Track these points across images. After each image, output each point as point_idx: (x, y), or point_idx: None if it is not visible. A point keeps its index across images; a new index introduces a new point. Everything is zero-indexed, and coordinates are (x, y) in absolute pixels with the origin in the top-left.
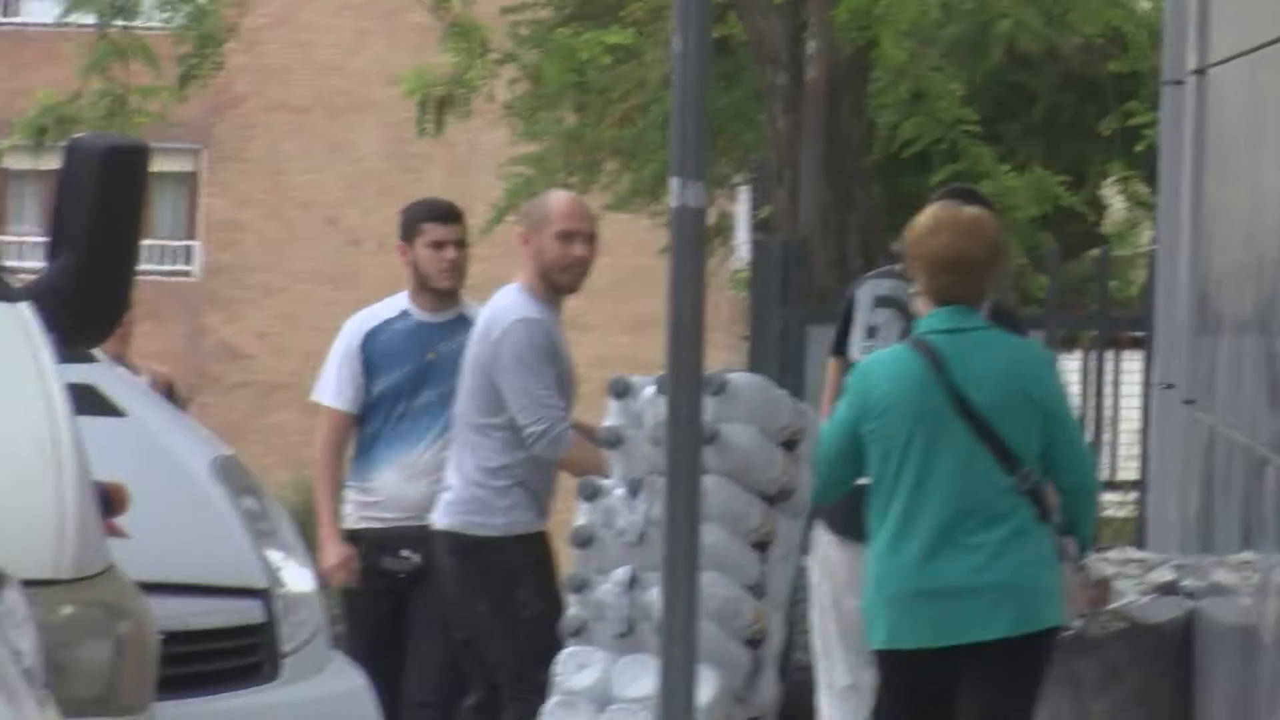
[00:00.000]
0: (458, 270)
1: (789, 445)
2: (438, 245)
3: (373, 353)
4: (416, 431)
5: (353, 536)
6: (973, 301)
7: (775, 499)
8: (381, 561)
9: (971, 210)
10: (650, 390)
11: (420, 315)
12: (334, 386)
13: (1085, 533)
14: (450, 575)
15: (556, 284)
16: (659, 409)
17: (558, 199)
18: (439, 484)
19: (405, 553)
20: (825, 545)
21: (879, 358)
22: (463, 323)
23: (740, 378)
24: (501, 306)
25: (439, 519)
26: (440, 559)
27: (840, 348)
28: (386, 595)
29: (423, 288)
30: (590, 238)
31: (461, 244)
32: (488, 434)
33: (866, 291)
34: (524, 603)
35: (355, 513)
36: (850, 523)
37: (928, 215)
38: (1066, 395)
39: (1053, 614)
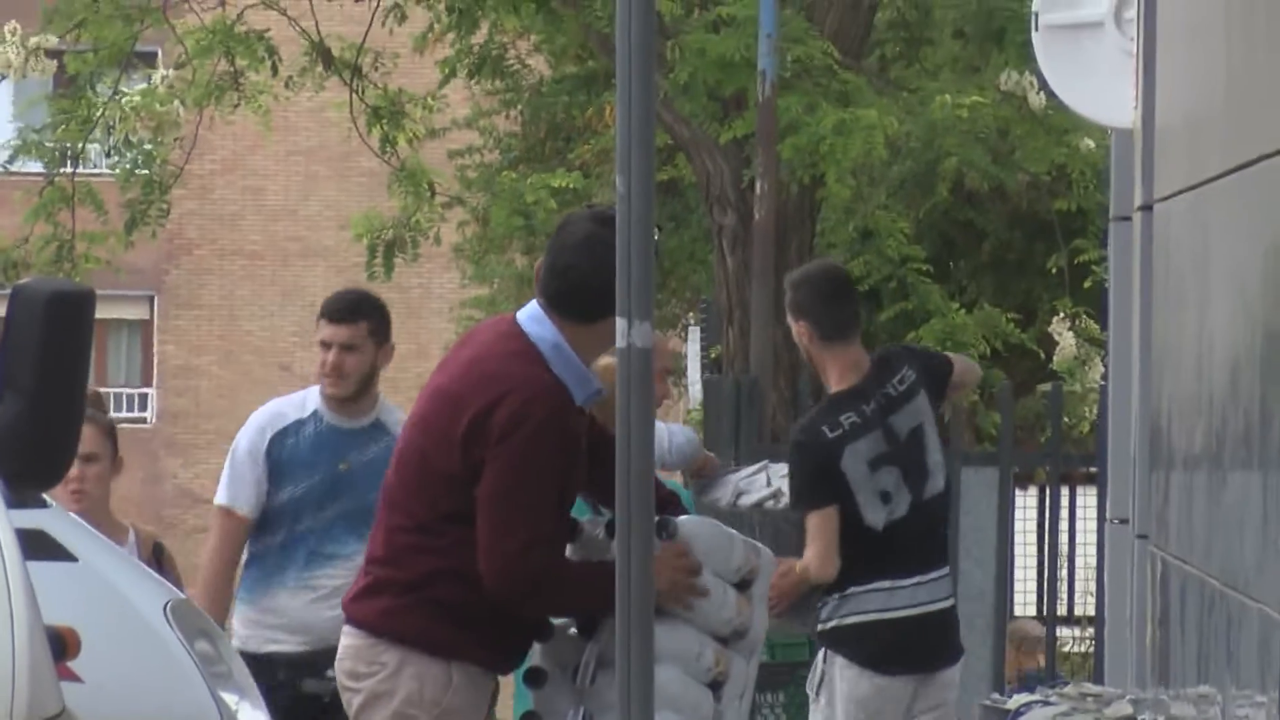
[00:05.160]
0: (339, 375)
1: (742, 586)
2: (324, 345)
3: (279, 458)
4: (323, 550)
5: (265, 661)
6: None
7: (729, 639)
8: (305, 684)
9: None
10: (600, 533)
11: (331, 419)
12: (238, 489)
13: None
14: None
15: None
16: (610, 551)
17: None
18: None
19: (331, 673)
20: (858, 680)
21: None
22: (378, 431)
23: (691, 521)
24: None
25: None
26: None
27: None
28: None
29: None
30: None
31: (350, 347)
32: None
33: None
34: None
35: (256, 634)
36: (884, 658)
37: None
38: None
39: None
